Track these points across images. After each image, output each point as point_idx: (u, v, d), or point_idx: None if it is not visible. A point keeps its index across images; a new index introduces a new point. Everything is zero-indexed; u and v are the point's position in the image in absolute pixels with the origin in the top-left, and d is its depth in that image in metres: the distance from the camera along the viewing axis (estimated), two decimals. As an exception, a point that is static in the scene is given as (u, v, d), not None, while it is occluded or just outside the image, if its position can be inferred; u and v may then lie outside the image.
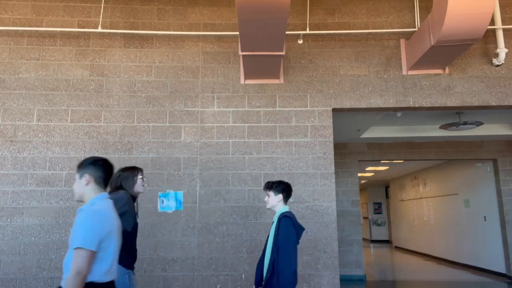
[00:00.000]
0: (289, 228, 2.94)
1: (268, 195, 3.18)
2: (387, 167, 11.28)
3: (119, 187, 3.02)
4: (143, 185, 3.15)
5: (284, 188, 3.16)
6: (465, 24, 3.75)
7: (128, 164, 4.52)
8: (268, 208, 3.19)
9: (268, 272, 2.92)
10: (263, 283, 2.97)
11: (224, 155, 4.58)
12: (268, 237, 3.10)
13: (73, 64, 4.78)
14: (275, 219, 3.09)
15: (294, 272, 2.87)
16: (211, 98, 4.73)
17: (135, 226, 3.01)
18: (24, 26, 4.83)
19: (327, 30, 4.90)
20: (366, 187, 18.05)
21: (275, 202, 3.15)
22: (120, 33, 4.87)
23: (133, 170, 3.11)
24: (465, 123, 6.09)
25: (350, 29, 4.91)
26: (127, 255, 2.93)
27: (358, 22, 4.94)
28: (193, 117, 4.68)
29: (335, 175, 8.25)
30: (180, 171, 4.54)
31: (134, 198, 3.08)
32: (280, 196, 3.15)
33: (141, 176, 3.12)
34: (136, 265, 4.32)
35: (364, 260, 8.80)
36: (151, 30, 4.88)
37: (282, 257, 2.87)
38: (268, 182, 3.21)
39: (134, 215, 3.00)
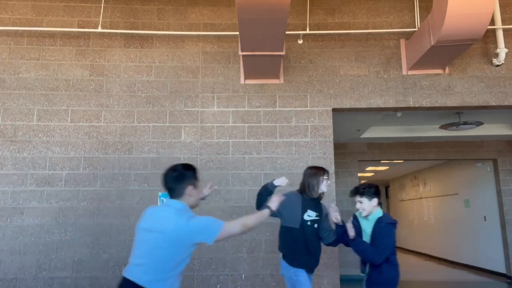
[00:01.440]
0: (391, 235, 2.84)
1: (361, 202, 2.96)
2: (387, 167, 11.28)
3: (303, 184, 3.24)
4: (327, 186, 3.26)
5: (375, 191, 2.96)
6: (465, 24, 3.75)
7: (128, 164, 4.52)
8: (365, 216, 3.00)
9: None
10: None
11: (224, 155, 4.58)
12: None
13: (73, 64, 4.78)
14: (371, 221, 2.97)
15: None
16: (211, 98, 4.73)
17: (306, 227, 3.11)
18: (24, 26, 4.82)
19: (327, 30, 4.90)
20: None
21: (370, 208, 2.94)
22: (120, 33, 4.87)
23: (319, 170, 3.24)
24: (465, 123, 6.09)
25: (350, 29, 4.91)
26: (294, 253, 3.08)
27: (358, 22, 4.94)
28: (193, 117, 4.68)
29: (335, 175, 8.24)
30: (180, 171, 4.54)
31: (316, 198, 3.21)
32: (376, 200, 2.95)
33: (326, 177, 3.22)
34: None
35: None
36: (151, 30, 4.87)
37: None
38: (358, 188, 2.99)
39: (295, 213, 3.12)
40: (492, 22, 4.74)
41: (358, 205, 3.00)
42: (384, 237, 2.84)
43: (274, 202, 2.66)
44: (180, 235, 2.07)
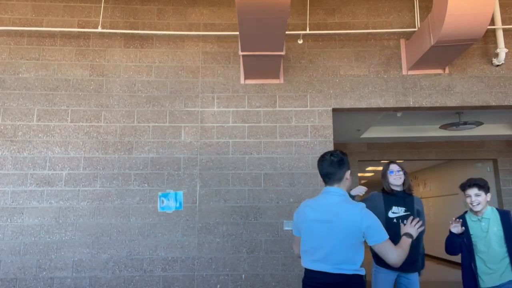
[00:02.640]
0: None
1: (479, 195, 2.97)
2: (387, 167, 11.26)
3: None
4: (397, 178, 3.18)
5: (489, 186, 3.00)
6: (465, 24, 3.75)
7: (128, 164, 4.52)
8: (479, 210, 2.97)
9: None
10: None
11: (224, 155, 4.58)
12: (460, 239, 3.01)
13: (73, 64, 4.78)
14: (487, 216, 2.94)
15: None
16: (211, 98, 4.73)
17: (391, 225, 3.08)
18: (24, 26, 4.82)
19: (327, 30, 4.90)
20: (366, 187, 18.02)
21: (485, 202, 2.95)
22: (120, 33, 4.87)
23: (384, 166, 3.22)
24: (465, 123, 6.09)
25: (350, 29, 4.91)
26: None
27: (358, 22, 4.94)
28: (193, 117, 4.68)
29: (335, 175, 8.23)
30: (180, 171, 4.54)
31: (401, 193, 3.15)
32: (489, 195, 2.99)
33: (390, 170, 3.16)
34: (136, 265, 4.32)
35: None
36: (151, 30, 4.87)
37: None
38: (477, 183, 2.98)
39: (379, 213, 3.10)
40: (492, 22, 4.74)
41: (474, 198, 2.96)
42: None
43: (414, 228, 2.38)
44: (354, 225, 2.15)
